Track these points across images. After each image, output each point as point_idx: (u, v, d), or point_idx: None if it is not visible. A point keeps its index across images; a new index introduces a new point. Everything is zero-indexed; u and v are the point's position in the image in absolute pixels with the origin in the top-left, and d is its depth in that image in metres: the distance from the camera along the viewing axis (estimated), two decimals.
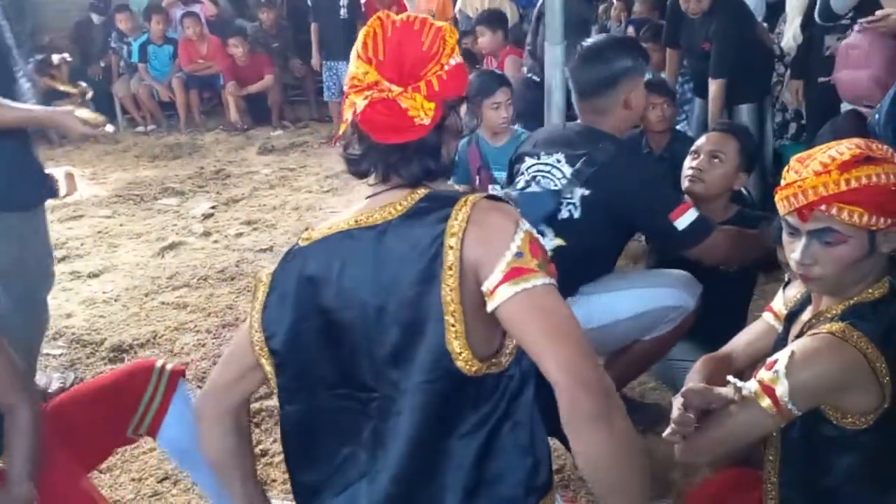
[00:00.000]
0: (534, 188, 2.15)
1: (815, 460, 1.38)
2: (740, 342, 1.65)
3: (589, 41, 2.23)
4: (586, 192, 2.05)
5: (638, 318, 2.05)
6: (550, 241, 2.07)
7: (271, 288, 1.26)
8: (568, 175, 2.09)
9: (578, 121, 2.25)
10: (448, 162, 1.25)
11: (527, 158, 2.25)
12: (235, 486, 1.39)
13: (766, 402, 1.29)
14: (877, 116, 2.46)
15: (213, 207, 4.88)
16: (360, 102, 1.16)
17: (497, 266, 1.11)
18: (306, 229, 1.30)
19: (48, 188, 2.44)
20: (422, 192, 1.21)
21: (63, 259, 4.07)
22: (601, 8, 6.03)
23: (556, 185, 2.11)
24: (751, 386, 1.31)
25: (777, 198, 1.35)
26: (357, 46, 1.20)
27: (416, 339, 1.15)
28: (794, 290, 1.55)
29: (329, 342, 1.22)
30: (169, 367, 1.85)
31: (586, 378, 1.07)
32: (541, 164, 2.19)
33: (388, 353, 1.17)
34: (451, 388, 1.14)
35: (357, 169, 1.26)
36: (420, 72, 1.16)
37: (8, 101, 2.24)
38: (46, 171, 2.46)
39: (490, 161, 3.41)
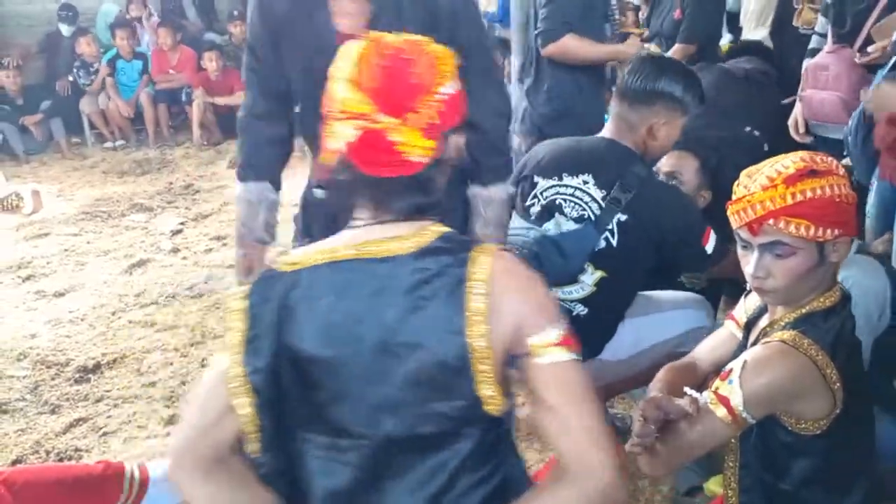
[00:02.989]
0: (561, 219, 2.02)
1: (773, 465, 1.41)
2: (703, 350, 1.68)
3: (662, 53, 2.15)
4: (623, 218, 1.97)
5: (681, 336, 2.06)
6: (591, 276, 2.00)
7: (250, 317, 1.13)
8: (600, 200, 1.98)
9: (601, 133, 2.12)
10: (440, 196, 1.17)
11: (539, 179, 2.09)
12: None
13: (721, 411, 1.31)
14: (851, 125, 2.47)
15: (182, 223, 4.83)
16: (351, 133, 1.08)
17: (552, 327, 1.10)
18: (284, 252, 1.19)
19: None
20: (436, 229, 1.15)
21: (28, 278, 4.01)
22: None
23: (585, 211, 2.00)
24: (707, 396, 1.34)
25: (729, 212, 1.38)
26: (347, 71, 1.10)
27: (426, 386, 1.10)
28: (755, 299, 1.58)
29: (306, 381, 1.12)
30: (137, 473, 1.86)
31: (616, 462, 1.09)
32: (562, 186, 2.05)
33: (384, 398, 1.10)
34: (482, 432, 1.13)
35: (340, 201, 1.17)
36: (411, 103, 1.08)
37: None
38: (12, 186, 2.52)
39: None
